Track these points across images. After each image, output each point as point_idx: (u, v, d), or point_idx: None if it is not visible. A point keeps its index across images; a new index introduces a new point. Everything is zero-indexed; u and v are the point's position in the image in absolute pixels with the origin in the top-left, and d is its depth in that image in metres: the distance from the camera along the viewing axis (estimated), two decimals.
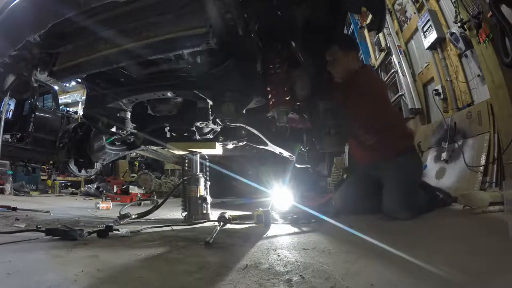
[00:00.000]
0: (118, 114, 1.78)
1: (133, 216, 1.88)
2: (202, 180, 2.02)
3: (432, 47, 3.58)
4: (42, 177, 6.30)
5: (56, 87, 5.72)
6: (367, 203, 2.04)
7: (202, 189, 2.00)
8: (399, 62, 4.26)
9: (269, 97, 1.56)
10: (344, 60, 1.99)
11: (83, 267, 0.88)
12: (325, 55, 1.99)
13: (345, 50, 2.00)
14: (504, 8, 2.44)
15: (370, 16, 1.80)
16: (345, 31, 5.44)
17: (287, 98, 1.55)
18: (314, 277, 0.82)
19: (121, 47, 1.32)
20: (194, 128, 1.82)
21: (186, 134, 1.91)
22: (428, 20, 3.50)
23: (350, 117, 1.89)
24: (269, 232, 1.53)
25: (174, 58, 1.44)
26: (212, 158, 2.27)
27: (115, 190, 4.30)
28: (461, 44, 3.01)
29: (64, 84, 1.95)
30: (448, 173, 2.92)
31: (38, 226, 1.40)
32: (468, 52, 3.01)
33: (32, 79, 1.56)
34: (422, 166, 2.22)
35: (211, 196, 2.06)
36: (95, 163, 2.55)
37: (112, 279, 0.81)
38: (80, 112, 6.95)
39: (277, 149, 1.96)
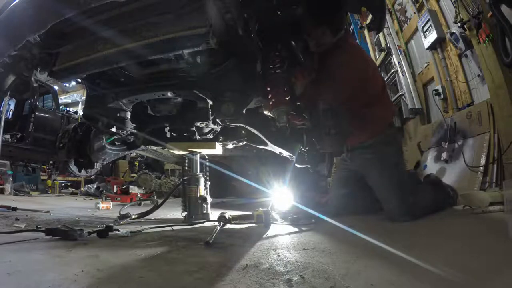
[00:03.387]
0: (118, 114, 1.78)
1: (133, 216, 1.88)
2: (202, 180, 2.02)
3: (432, 47, 3.58)
4: (42, 177, 6.31)
5: (56, 87, 5.71)
6: (355, 203, 2.00)
7: (202, 189, 2.00)
8: (399, 62, 4.26)
9: (269, 97, 1.56)
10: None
11: (83, 267, 0.88)
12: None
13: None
14: (504, 8, 2.44)
15: (370, 16, 1.80)
16: None
17: (287, 98, 1.55)
18: (314, 277, 0.82)
19: (121, 47, 1.32)
20: (194, 128, 1.82)
21: (186, 134, 1.91)
22: (428, 20, 3.50)
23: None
24: (269, 232, 1.53)
25: (174, 58, 1.44)
26: (212, 158, 2.27)
27: (115, 190, 4.30)
28: (461, 44, 3.00)
29: (64, 84, 1.95)
30: (448, 173, 2.92)
31: (38, 226, 1.40)
32: (468, 52, 3.01)
33: (32, 79, 1.56)
34: (401, 150, 1.99)
35: (211, 196, 2.07)
36: (95, 163, 2.55)
37: (112, 279, 0.81)
38: (80, 112, 6.94)
39: (277, 149, 1.96)
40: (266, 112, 1.78)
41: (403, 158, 2.02)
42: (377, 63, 5.09)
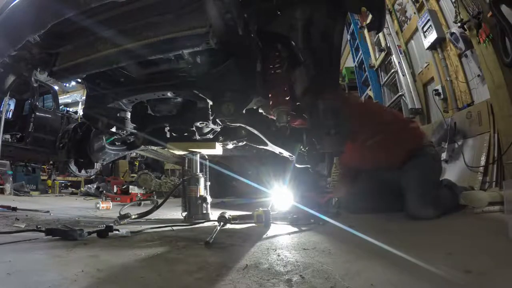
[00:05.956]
0: (118, 114, 1.78)
1: (133, 216, 1.88)
2: (202, 180, 2.02)
3: (432, 47, 3.58)
4: (42, 177, 6.31)
5: (56, 87, 5.72)
6: (371, 203, 2.06)
7: (202, 189, 2.00)
8: (399, 62, 4.27)
9: (269, 97, 1.56)
10: None
11: (83, 267, 0.88)
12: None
13: None
14: (504, 8, 2.44)
15: (370, 16, 1.80)
16: (345, 31, 5.47)
17: (287, 98, 1.55)
18: (314, 277, 0.82)
19: (121, 47, 1.32)
20: (194, 128, 1.82)
21: (186, 134, 1.91)
22: (428, 20, 3.50)
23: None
24: (269, 232, 1.54)
25: (174, 58, 1.44)
26: (212, 158, 2.27)
27: (115, 190, 4.30)
28: (461, 44, 3.00)
29: (64, 84, 1.96)
30: (448, 173, 2.91)
31: (38, 226, 1.40)
32: (468, 52, 3.01)
33: (32, 79, 1.56)
34: (440, 163, 2.24)
35: (211, 196, 2.06)
36: (95, 163, 2.55)
37: (112, 279, 0.81)
38: (80, 112, 6.95)
39: (277, 149, 1.96)
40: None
41: (438, 168, 2.17)
42: (377, 63, 5.10)
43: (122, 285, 0.77)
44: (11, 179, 4.74)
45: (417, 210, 1.80)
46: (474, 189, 2.28)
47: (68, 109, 7.29)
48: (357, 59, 5.82)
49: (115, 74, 1.60)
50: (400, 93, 4.21)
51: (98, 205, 2.78)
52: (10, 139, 5.28)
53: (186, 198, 2.00)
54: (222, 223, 1.61)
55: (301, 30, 1.65)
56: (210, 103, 1.57)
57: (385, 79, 4.86)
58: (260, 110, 1.71)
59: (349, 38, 6.04)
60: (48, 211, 2.24)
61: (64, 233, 1.28)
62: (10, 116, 5.68)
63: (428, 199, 1.80)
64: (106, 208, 2.77)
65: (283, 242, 1.30)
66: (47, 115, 5.38)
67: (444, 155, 3.05)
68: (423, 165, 1.97)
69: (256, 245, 1.23)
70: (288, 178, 2.22)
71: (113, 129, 1.81)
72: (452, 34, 3.10)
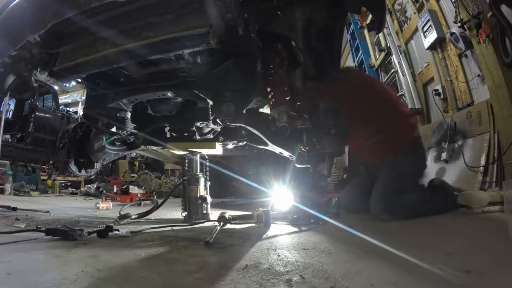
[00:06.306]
0: (118, 114, 1.78)
1: (133, 216, 1.88)
2: (202, 180, 2.02)
3: (432, 47, 3.58)
4: (42, 177, 6.31)
5: (56, 87, 5.71)
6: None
7: (202, 189, 2.00)
8: (399, 62, 4.26)
9: (269, 97, 1.56)
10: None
11: (83, 267, 0.88)
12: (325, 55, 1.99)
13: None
14: (504, 8, 2.44)
15: (370, 16, 1.80)
16: (345, 31, 5.47)
17: (287, 98, 1.55)
18: (314, 277, 0.82)
19: (121, 47, 1.32)
20: (194, 128, 1.82)
21: (186, 134, 1.91)
22: (428, 20, 3.50)
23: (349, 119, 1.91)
24: (269, 232, 1.54)
25: (174, 58, 1.44)
26: (212, 158, 2.27)
27: (115, 190, 4.31)
28: (461, 44, 3.00)
29: (64, 84, 1.95)
30: (448, 173, 2.92)
31: (38, 226, 1.40)
32: (468, 52, 3.01)
33: (32, 79, 1.56)
34: (420, 165, 2.14)
35: (211, 196, 2.06)
36: (95, 163, 2.56)
37: (112, 279, 0.81)
38: (80, 112, 6.94)
39: (277, 149, 1.96)
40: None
41: (414, 168, 2.06)
42: (377, 63, 5.10)
43: (122, 285, 0.77)
44: (11, 179, 4.74)
45: (377, 213, 1.86)
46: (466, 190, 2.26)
47: (68, 109, 7.28)
48: (357, 59, 5.82)
49: (115, 74, 1.60)
50: (400, 93, 4.21)
51: (98, 205, 2.77)
52: (10, 139, 5.28)
53: (186, 198, 2.00)
54: (222, 223, 1.61)
55: (301, 30, 1.66)
56: (210, 103, 1.57)
57: (385, 79, 4.86)
58: (261, 110, 1.72)
59: (349, 38, 6.04)
60: (48, 211, 2.24)
61: (64, 233, 1.28)
62: (10, 116, 5.68)
63: (386, 203, 1.83)
64: (106, 208, 2.77)
65: (283, 242, 1.30)
66: (47, 115, 5.38)
67: (444, 155, 3.05)
68: (398, 167, 1.93)
69: (256, 245, 1.23)
70: (288, 178, 2.22)
71: (113, 129, 1.81)
72: (452, 34, 3.09)
